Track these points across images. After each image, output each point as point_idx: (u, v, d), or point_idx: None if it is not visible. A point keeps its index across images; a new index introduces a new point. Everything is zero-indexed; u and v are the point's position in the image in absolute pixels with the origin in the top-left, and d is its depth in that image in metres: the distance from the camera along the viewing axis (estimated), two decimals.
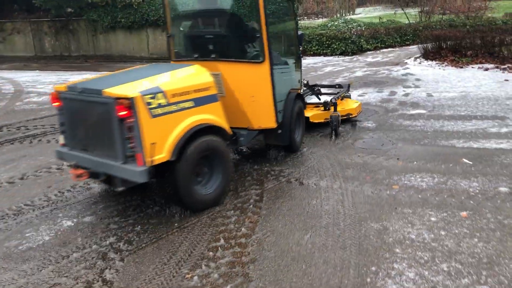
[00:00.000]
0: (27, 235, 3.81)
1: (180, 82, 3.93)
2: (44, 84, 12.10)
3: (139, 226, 3.84)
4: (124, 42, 17.39)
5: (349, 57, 14.24)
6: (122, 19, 16.69)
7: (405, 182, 4.53)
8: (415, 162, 5.06)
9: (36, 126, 7.58)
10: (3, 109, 9.12)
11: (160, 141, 3.60)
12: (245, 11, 6.03)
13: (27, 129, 7.44)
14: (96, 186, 4.80)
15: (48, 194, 4.68)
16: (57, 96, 4.06)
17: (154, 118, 3.55)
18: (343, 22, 16.27)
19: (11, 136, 7.02)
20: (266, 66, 4.73)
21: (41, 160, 5.79)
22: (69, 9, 17.99)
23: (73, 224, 3.99)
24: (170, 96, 3.69)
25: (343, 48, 14.43)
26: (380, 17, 20.26)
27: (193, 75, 4.16)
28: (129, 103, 3.44)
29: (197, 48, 5.04)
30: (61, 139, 4.19)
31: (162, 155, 3.61)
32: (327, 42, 14.54)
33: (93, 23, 17.45)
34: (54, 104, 4.12)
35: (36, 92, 10.94)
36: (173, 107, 3.72)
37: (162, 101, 3.62)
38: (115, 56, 17.38)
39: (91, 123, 3.82)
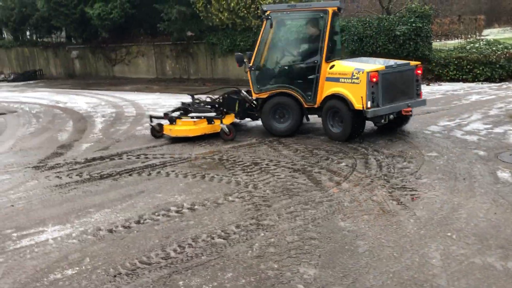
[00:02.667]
0: None
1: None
2: (164, 107, 11.95)
3: None
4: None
5: (497, 84, 12.24)
6: (241, 42, 16.40)
7: None
8: None
9: (155, 155, 7.09)
10: (125, 134, 8.90)
11: None
12: None
13: (147, 157, 6.96)
14: (222, 242, 3.92)
15: (167, 248, 3.90)
16: (376, 74, 6.60)
17: None
18: (485, 44, 14.23)
19: (130, 166, 6.55)
20: None
21: (160, 199, 5.13)
22: (190, 33, 18.22)
23: None
24: None
25: (489, 74, 12.46)
26: None
27: None
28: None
29: None
30: (369, 103, 6.61)
31: None
32: (468, 66, 12.69)
33: (212, 46, 17.42)
34: (372, 79, 6.55)
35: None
36: None
37: None
38: (231, 79, 17.12)
39: (401, 83, 7.00)
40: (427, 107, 8.31)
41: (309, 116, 7.73)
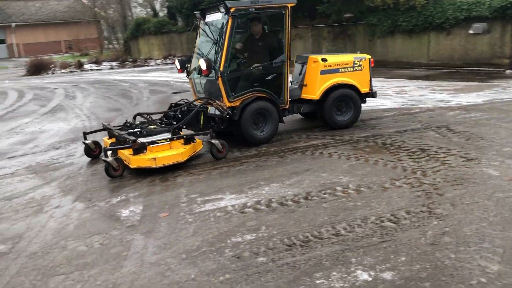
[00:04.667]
0: (317, 281, 3.18)
1: None
2: None
3: None
4: (402, 47, 16.32)
5: None
6: (403, 23, 15.64)
7: None
8: None
9: (316, 136, 7.27)
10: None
11: None
12: None
13: (308, 138, 7.19)
14: (392, 226, 3.91)
15: (336, 225, 4.03)
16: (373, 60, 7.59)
17: None
18: None
19: (294, 145, 6.85)
20: None
21: (325, 178, 5.28)
22: (348, 14, 17.96)
23: (370, 278, 3.17)
24: None
25: None
26: None
27: None
28: None
29: None
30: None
31: None
32: None
33: (372, 27, 16.95)
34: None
35: None
36: None
37: None
38: (390, 61, 16.50)
39: None
40: None
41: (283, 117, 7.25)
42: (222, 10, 6.53)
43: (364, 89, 7.50)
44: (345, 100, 7.43)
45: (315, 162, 5.95)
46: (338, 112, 7.48)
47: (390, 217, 4.11)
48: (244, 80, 6.96)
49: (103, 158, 5.88)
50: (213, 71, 6.58)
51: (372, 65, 7.65)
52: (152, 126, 6.69)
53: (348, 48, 18.29)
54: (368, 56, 7.63)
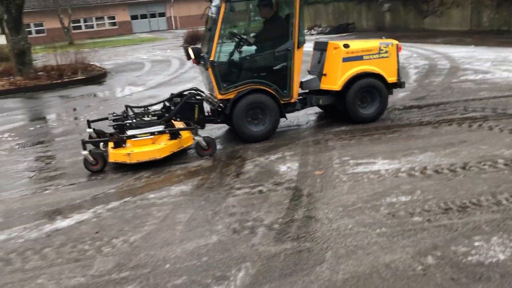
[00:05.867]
0: (475, 244, 3.22)
1: None
2: (480, 61, 11.25)
3: None
4: None
5: None
6: None
7: None
8: None
9: (475, 108, 6.92)
10: (440, 85, 8.92)
11: None
12: None
13: (465, 110, 6.88)
14: None
15: (497, 196, 3.94)
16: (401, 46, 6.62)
17: None
18: None
19: (449, 116, 6.64)
20: None
21: (484, 150, 5.09)
22: None
23: None
24: None
25: None
26: None
27: None
28: None
29: None
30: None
31: None
32: None
33: None
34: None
35: (472, 69, 10.25)
36: None
37: None
38: None
39: None
40: None
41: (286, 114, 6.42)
42: None
43: (391, 79, 6.58)
44: (369, 91, 6.55)
45: (473, 134, 5.73)
46: (363, 104, 6.63)
47: None
48: (240, 70, 6.27)
49: (81, 152, 5.59)
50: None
51: (400, 51, 6.68)
52: (147, 118, 6.41)
53: None
54: (396, 42, 6.63)
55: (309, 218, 3.86)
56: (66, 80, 13.89)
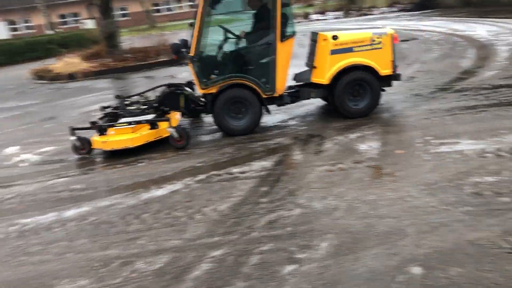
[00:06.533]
0: None
1: None
2: None
3: None
4: None
5: None
6: None
7: None
8: None
9: None
10: None
11: None
12: None
13: None
14: None
15: None
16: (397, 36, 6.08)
17: None
18: None
19: None
20: None
21: None
22: None
23: None
24: None
25: None
26: None
27: None
28: None
29: None
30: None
31: None
32: None
33: None
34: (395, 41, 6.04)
35: None
36: None
37: None
38: None
39: None
40: None
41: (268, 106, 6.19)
42: None
43: (384, 71, 6.11)
44: (360, 84, 6.16)
45: None
46: (354, 98, 6.23)
47: None
48: (221, 65, 6.17)
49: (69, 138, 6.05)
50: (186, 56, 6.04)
51: (396, 42, 6.16)
52: (143, 107, 6.51)
53: None
54: (391, 31, 6.14)
55: (390, 196, 3.92)
56: (151, 61, 14.64)
